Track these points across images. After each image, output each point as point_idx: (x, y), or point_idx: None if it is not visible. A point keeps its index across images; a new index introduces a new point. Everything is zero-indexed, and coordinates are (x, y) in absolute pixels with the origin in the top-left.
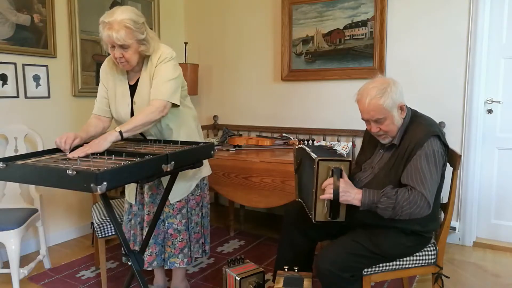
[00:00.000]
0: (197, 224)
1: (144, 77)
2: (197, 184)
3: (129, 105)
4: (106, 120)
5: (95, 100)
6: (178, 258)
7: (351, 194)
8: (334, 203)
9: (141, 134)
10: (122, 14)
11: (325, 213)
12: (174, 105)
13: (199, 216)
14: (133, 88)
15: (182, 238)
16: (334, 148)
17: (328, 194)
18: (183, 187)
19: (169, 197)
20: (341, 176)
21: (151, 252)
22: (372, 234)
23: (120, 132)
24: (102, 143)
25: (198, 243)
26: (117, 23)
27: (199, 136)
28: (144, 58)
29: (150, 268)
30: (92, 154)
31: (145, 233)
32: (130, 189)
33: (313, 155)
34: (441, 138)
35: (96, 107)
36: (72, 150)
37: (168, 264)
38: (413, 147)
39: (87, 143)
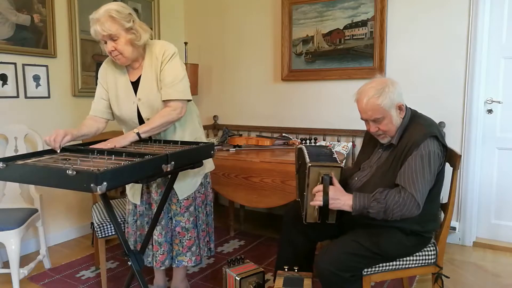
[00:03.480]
0: (203, 222)
1: (147, 73)
2: (201, 182)
3: (134, 102)
4: (101, 121)
5: (92, 101)
6: (186, 256)
7: (341, 201)
8: (324, 209)
9: None
10: (106, 6)
11: (315, 216)
12: None
13: (204, 214)
14: (135, 85)
15: (190, 236)
16: (333, 148)
17: (318, 202)
18: (189, 183)
19: (178, 194)
20: (331, 183)
21: (163, 250)
22: (372, 234)
23: (138, 134)
24: (122, 141)
25: (204, 241)
26: (102, 15)
27: (202, 133)
28: (143, 55)
29: (163, 268)
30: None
31: (155, 232)
32: (135, 190)
33: (307, 159)
34: (439, 139)
35: (92, 108)
36: (62, 148)
37: (176, 262)
38: (410, 147)
39: (82, 144)
